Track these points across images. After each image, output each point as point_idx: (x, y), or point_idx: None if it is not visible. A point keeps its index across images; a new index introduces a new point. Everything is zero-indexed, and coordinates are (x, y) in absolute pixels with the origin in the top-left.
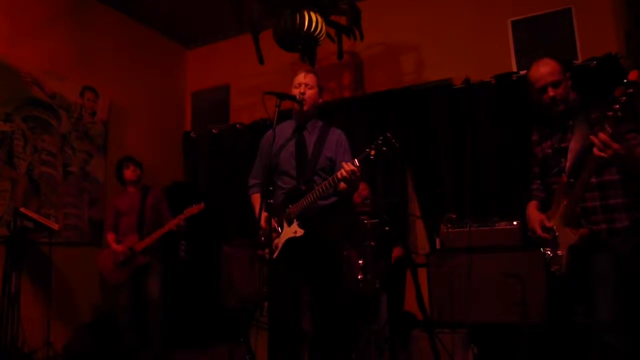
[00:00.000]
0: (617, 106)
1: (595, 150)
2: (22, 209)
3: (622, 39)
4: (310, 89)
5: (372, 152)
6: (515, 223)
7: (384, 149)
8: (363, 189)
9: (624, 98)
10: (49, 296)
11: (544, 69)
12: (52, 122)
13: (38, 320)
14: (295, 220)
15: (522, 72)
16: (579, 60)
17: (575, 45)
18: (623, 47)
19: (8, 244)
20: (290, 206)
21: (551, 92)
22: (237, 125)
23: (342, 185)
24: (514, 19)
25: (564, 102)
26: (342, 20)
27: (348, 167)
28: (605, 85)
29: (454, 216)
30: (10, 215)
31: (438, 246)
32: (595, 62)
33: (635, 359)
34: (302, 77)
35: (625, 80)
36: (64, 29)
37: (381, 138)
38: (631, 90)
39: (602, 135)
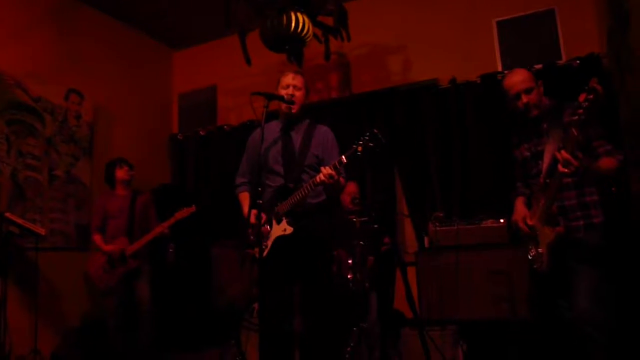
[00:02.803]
0: (581, 110)
1: (559, 166)
2: (7, 214)
3: (604, 38)
4: (298, 90)
5: (359, 148)
6: (502, 221)
7: (371, 144)
8: (353, 189)
9: (587, 103)
10: (36, 302)
11: (516, 78)
12: (37, 126)
13: (25, 326)
14: (284, 218)
15: (507, 72)
16: (563, 60)
17: (559, 45)
18: (605, 47)
19: None
20: (278, 204)
21: (524, 99)
22: (225, 127)
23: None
24: (499, 19)
25: (537, 107)
26: (329, 20)
27: (326, 171)
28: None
29: (442, 214)
30: None
31: (426, 245)
32: (578, 62)
33: (614, 348)
34: (290, 79)
35: (586, 87)
36: (48, 31)
37: (368, 134)
38: (592, 95)
39: (564, 154)
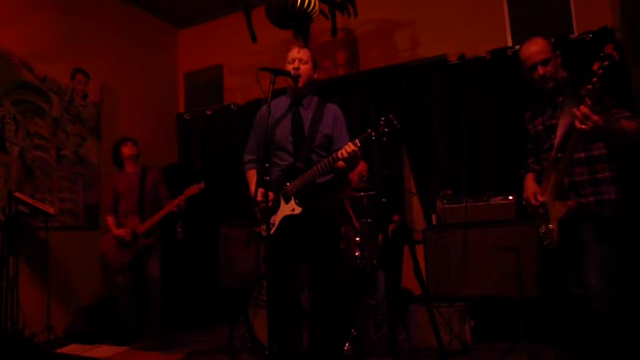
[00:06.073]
0: (595, 79)
1: (576, 122)
2: (17, 194)
3: (617, 11)
4: (304, 63)
5: (374, 133)
6: (510, 198)
7: (386, 129)
8: (362, 167)
9: (601, 71)
10: (48, 280)
11: (533, 48)
12: (43, 106)
13: (38, 304)
14: (292, 197)
15: (518, 47)
16: (575, 34)
17: (571, 19)
18: (618, 20)
19: (4, 229)
20: (287, 183)
21: (540, 70)
22: (231, 106)
23: (341, 163)
24: None
25: (553, 79)
26: None
27: (349, 147)
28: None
29: (450, 192)
30: (5, 200)
31: (434, 222)
32: (590, 36)
33: (623, 325)
34: (295, 53)
35: (601, 54)
36: (53, 10)
37: (383, 119)
38: (607, 62)
39: (582, 108)
